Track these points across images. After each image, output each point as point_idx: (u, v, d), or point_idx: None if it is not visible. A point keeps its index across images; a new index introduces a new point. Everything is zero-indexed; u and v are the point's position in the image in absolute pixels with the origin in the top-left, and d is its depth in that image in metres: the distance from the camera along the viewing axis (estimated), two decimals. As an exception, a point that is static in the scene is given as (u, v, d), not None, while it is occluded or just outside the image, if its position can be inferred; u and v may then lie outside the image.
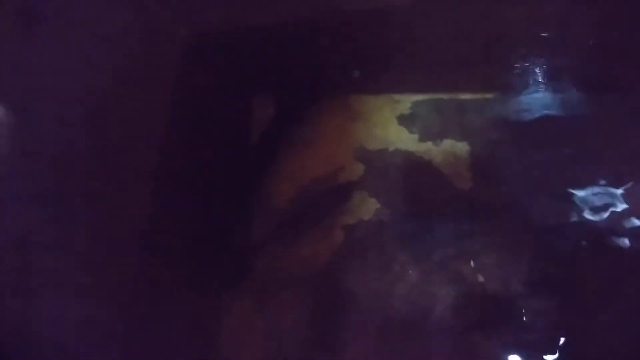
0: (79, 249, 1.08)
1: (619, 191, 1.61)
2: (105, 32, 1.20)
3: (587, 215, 1.60)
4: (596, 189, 1.62)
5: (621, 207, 1.60)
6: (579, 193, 1.63)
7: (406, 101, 1.82)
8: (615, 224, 1.59)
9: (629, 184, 1.61)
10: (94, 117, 1.13)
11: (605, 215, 1.60)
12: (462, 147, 1.74)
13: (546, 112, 1.73)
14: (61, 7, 1.09)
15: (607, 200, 1.61)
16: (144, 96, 1.27)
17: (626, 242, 1.56)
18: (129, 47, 1.25)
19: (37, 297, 0.99)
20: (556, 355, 1.45)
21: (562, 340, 1.46)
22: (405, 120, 1.80)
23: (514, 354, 1.48)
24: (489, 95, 1.78)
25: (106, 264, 1.15)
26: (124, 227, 1.20)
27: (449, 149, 1.75)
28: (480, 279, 1.57)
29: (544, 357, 1.46)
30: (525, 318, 1.51)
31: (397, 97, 1.82)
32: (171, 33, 1.36)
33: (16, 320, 0.95)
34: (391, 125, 1.80)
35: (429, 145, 1.76)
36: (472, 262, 1.59)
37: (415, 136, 1.78)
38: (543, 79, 1.67)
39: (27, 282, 0.97)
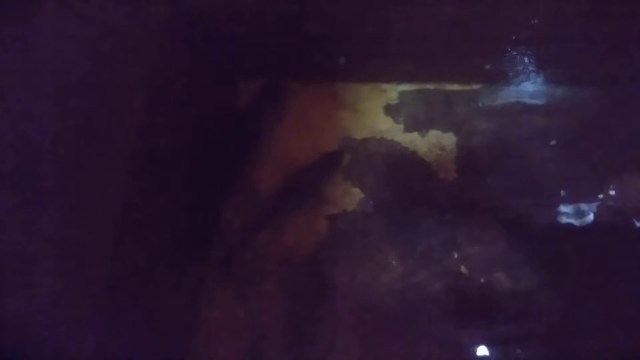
0: (52, 233, 1.04)
1: (608, 184, 1.62)
2: (83, 9, 1.16)
3: (574, 209, 1.61)
4: (583, 182, 1.63)
5: (609, 199, 1.61)
6: (566, 186, 1.63)
7: (393, 90, 1.81)
8: (603, 218, 1.59)
9: (615, 179, 1.61)
10: (70, 96, 1.09)
11: (593, 209, 1.60)
12: (448, 138, 1.73)
13: (534, 103, 1.73)
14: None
15: (595, 193, 1.62)
16: (123, 76, 1.23)
17: (613, 236, 1.57)
18: (108, 24, 1.20)
19: (9, 279, 0.95)
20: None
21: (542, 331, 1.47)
22: (391, 109, 1.78)
23: (495, 343, 1.48)
24: (476, 86, 1.78)
25: (81, 249, 1.11)
26: (101, 210, 1.16)
27: (435, 140, 1.74)
28: (464, 270, 1.57)
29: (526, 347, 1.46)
30: (508, 309, 1.51)
31: (384, 86, 1.81)
32: (152, 11, 1.32)
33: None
34: (377, 115, 1.78)
35: (414, 135, 1.75)
36: (455, 254, 1.59)
37: (401, 126, 1.76)
38: (532, 69, 1.67)
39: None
